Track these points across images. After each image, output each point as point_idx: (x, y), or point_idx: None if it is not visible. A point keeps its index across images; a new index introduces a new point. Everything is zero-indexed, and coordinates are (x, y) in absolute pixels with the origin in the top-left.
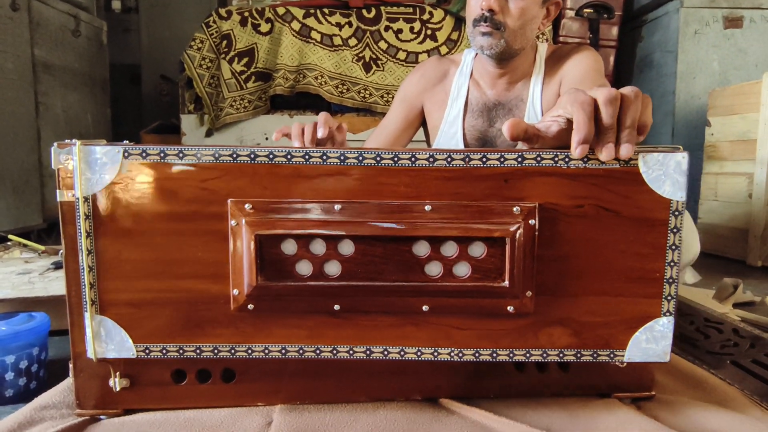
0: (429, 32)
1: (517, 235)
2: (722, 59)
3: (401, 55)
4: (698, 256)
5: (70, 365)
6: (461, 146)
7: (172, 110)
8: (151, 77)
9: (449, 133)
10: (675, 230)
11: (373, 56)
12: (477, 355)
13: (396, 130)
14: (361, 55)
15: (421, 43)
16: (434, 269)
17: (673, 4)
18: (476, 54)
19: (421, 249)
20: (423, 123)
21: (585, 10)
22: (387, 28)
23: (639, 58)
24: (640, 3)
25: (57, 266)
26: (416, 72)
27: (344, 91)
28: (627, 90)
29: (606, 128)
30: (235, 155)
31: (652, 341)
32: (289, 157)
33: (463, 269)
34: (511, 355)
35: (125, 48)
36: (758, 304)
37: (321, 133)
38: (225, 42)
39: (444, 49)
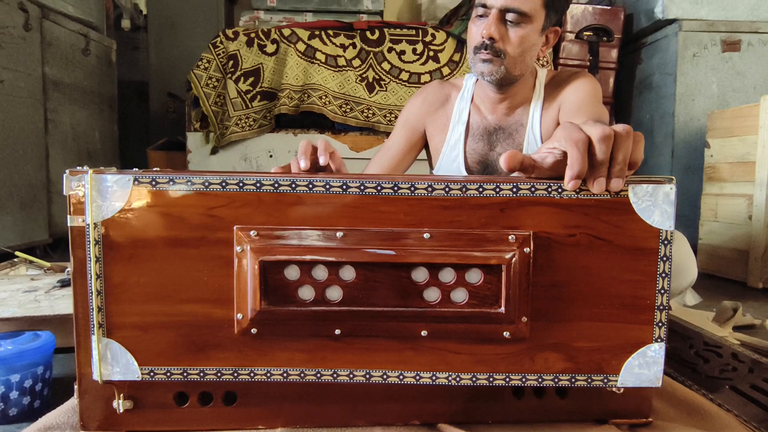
0: (431, 53)
1: (513, 263)
2: (721, 82)
3: (404, 75)
4: (699, 277)
5: (75, 386)
6: (462, 169)
7: (179, 127)
8: (158, 95)
9: (451, 156)
10: (665, 258)
11: (377, 77)
12: (474, 379)
13: (399, 152)
14: (364, 75)
15: (423, 64)
16: (432, 295)
17: (672, 28)
18: (477, 79)
19: (420, 275)
20: (426, 145)
21: (585, 33)
22: (390, 50)
23: (639, 80)
24: (639, 26)
25: (63, 284)
26: (418, 96)
27: (348, 110)
28: (620, 128)
29: (599, 164)
30: (241, 183)
31: (644, 366)
32: (293, 186)
33: (460, 295)
34: (507, 379)
35: (133, 65)
36: (758, 327)
37: (323, 161)
38: (231, 62)
39: (446, 70)
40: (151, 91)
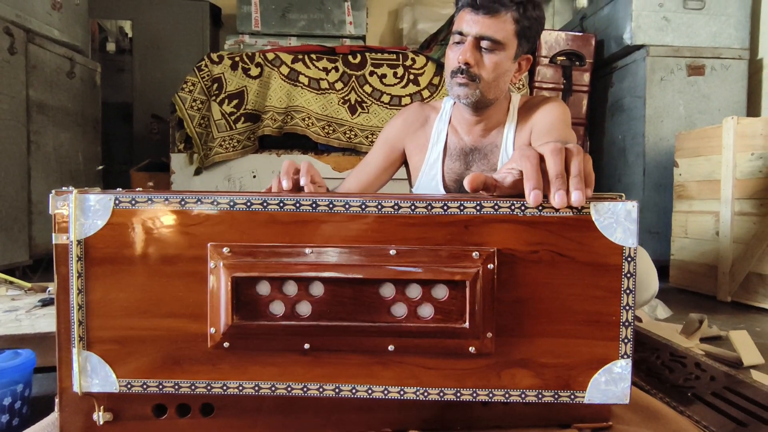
0: (412, 77)
1: (477, 279)
2: (687, 104)
3: (385, 98)
4: (672, 292)
5: (56, 400)
6: (441, 187)
7: (162, 148)
8: (142, 116)
9: (429, 174)
10: (629, 275)
11: (359, 99)
12: (441, 394)
13: (377, 168)
14: (347, 98)
15: (404, 87)
16: (399, 310)
17: (640, 53)
18: (454, 102)
19: (387, 291)
20: (405, 163)
21: (558, 57)
22: (372, 73)
23: (611, 102)
24: (609, 51)
25: (44, 303)
26: (399, 116)
27: (330, 132)
28: (570, 145)
29: (554, 177)
30: (216, 202)
31: (611, 383)
32: (265, 204)
33: (426, 310)
34: (475, 395)
35: (118, 87)
36: (723, 339)
37: (302, 183)
38: (216, 85)
39: (426, 93)
40: (136, 113)
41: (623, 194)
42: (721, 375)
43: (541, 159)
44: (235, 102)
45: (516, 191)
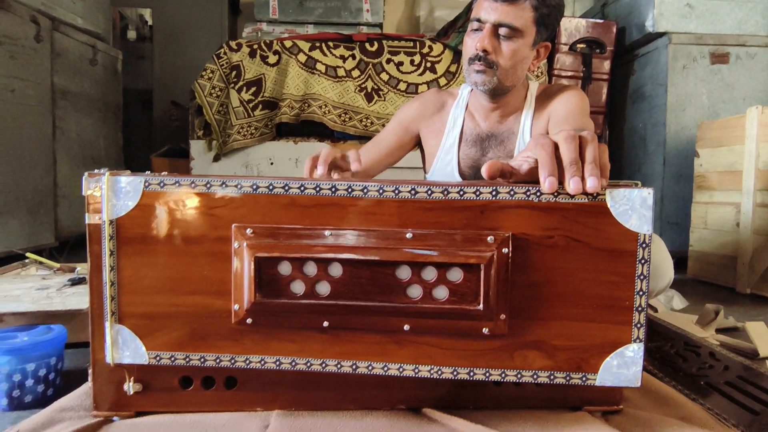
0: (428, 65)
1: (492, 262)
2: (710, 93)
3: (402, 86)
4: (689, 283)
5: (89, 371)
6: (456, 173)
7: (182, 135)
8: (162, 103)
9: (445, 160)
10: (643, 261)
11: (375, 87)
12: (455, 373)
13: (388, 147)
14: (363, 85)
15: (421, 74)
16: (415, 292)
17: (662, 41)
18: (472, 89)
19: (403, 273)
20: (420, 149)
21: (578, 45)
22: (389, 61)
23: (631, 90)
24: (631, 39)
25: (73, 282)
26: (416, 100)
27: (347, 119)
28: (584, 132)
29: (569, 163)
30: (239, 186)
31: (623, 366)
32: (286, 188)
33: (441, 292)
34: (487, 374)
35: (138, 74)
36: (740, 330)
37: (320, 172)
38: (234, 72)
39: (443, 81)
40: (155, 100)
41: (639, 182)
42: (735, 365)
43: (556, 147)
44: (253, 89)
45: (532, 178)
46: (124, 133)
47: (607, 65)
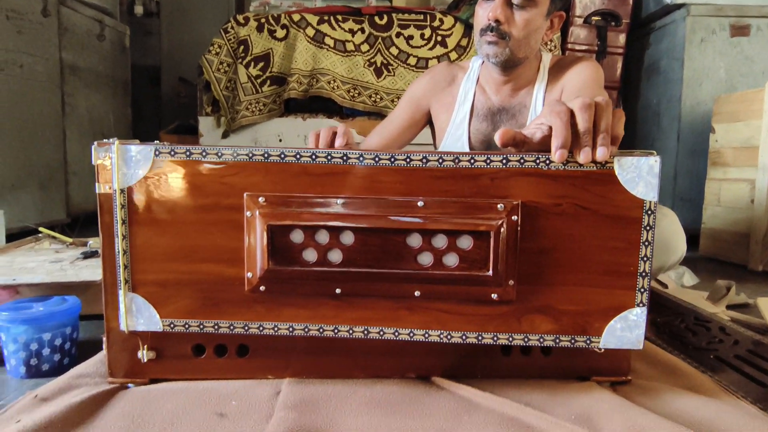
0: (439, 38)
1: (501, 230)
2: (729, 66)
3: (412, 60)
4: (701, 261)
5: (104, 339)
6: (466, 148)
7: (190, 111)
8: (170, 79)
9: (455, 135)
10: (648, 228)
11: (385, 61)
12: (464, 337)
13: (400, 126)
14: (372, 60)
15: (431, 49)
16: (426, 259)
17: (680, 13)
18: (483, 61)
19: (414, 240)
20: (430, 124)
21: (593, 17)
22: (398, 35)
23: (646, 65)
24: (647, 11)
25: (86, 256)
26: (426, 75)
27: (356, 95)
28: (600, 99)
29: (582, 133)
30: (251, 154)
31: (626, 330)
32: (297, 156)
33: (451, 259)
34: (495, 338)
35: (146, 50)
36: (751, 306)
37: (339, 144)
38: (242, 47)
39: (453, 55)
40: (163, 76)
41: (654, 152)
42: (745, 339)
43: (572, 114)
44: (261, 65)
45: (543, 147)
46: (132, 109)
47: (622, 39)
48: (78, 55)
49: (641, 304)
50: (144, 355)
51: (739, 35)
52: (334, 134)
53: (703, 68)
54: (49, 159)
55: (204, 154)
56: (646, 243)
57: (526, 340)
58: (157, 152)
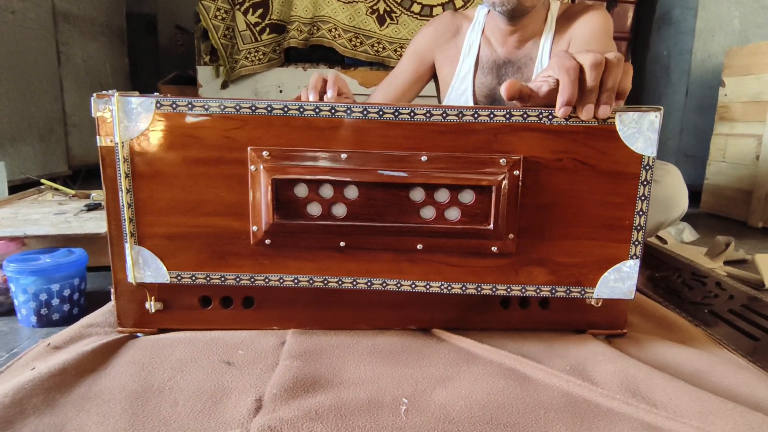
0: None
1: (503, 184)
2: (744, 16)
3: (415, 8)
4: (701, 216)
5: (112, 290)
6: (470, 102)
7: (188, 61)
8: (166, 27)
9: (459, 89)
10: (645, 183)
11: (388, 9)
12: (464, 288)
13: (405, 81)
14: (375, 7)
15: None
16: (428, 213)
17: None
18: (489, 11)
19: (417, 195)
20: (434, 77)
21: None
22: None
23: (658, 15)
24: None
25: (89, 208)
26: (429, 26)
27: (358, 44)
28: (611, 55)
29: (588, 90)
30: (254, 107)
31: (619, 281)
32: (301, 110)
33: (453, 213)
34: (494, 289)
35: None
36: (749, 262)
37: (330, 95)
38: None
39: (459, 2)
40: (160, 24)
41: (661, 107)
42: (740, 294)
43: (581, 69)
44: (259, 11)
45: (549, 102)
46: (129, 59)
47: None
48: (71, 1)
49: (634, 257)
50: (152, 306)
51: None
52: (325, 81)
53: (716, 18)
54: (47, 110)
55: (207, 106)
56: (643, 198)
57: (523, 290)
58: (158, 104)
